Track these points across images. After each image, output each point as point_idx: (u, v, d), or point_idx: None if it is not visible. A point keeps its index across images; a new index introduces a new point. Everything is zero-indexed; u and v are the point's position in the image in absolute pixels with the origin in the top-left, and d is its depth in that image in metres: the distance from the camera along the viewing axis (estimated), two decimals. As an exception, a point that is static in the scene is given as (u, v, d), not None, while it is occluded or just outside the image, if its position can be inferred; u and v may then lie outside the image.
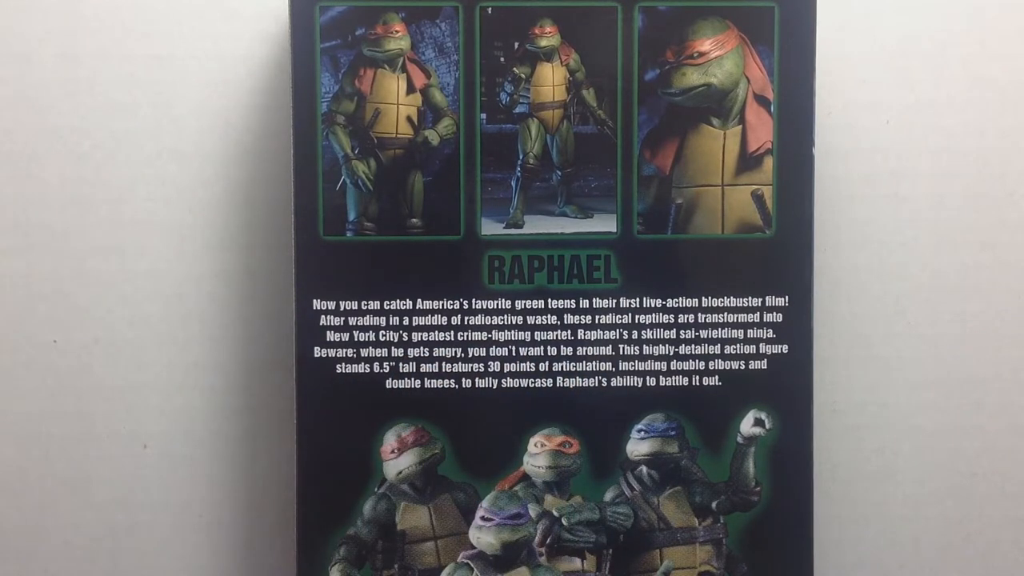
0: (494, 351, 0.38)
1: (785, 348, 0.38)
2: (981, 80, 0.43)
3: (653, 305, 0.38)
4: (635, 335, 0.38)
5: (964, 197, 0.43)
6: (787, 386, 0.38)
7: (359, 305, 0.37)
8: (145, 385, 0.42)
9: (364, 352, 0.38)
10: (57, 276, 0.42)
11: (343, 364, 0.38)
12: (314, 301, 0.37)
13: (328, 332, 0.38)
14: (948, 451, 0.42)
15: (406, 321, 0.38)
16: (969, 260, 0.43)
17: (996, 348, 0.42)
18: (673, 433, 0.38)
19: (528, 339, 0.38)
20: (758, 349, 0.38)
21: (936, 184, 0.43)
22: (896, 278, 0.44)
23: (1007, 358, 0.42)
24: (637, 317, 0.38)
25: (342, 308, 0.37)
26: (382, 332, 0.38)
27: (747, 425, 0.38)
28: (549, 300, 0.38)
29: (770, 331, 0.38)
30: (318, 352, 0.38)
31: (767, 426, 0.38)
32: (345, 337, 0.38)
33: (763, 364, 0.38)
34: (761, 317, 0.38)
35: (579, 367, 0.38)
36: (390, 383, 0.38)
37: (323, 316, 0.37)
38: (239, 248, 0.42)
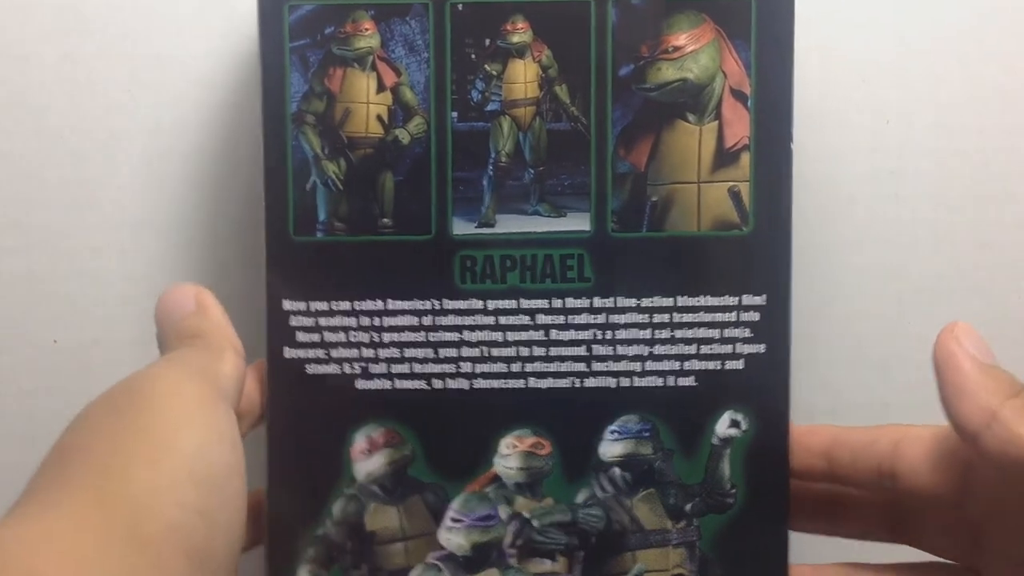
0: (466, 352, 0.37)
1: (762, 348, 0.37)
2: (981, 80, 0.43)
3: (627, 305, 0.37)
4: (609, 335, 0.37)
5: (964, 197, 0.43)
6: (764, 387, 0.37)
7: (329, 306, 0.37)
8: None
9: (334, 353, 0.37)
10: (57, 276, 0.42)
11: (313, 365, 0.37)
12: (284, 302, 0.37)
13: (298, 332, 0.37)
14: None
15: (377, 322, 0.37)
16: (969, 260, 0.43)
17: (996, 348, 0.41)
18: (647, 434, 0.38)
19: (501, 339, 0.37)
20: (735, 349, 0.37)
21: (936, 184, 0.43)
22: (896, 278, 0.44)
23: (1008, 358, 0.41)
24: (611, 317, 0.37)
25: (312, 309, 0.37)
26: (352, 333, 0.37)
27: (723, 426, 0.38)
28: (522, 300, 0.37)
29: (747, 330, 0.37)
30: (288, 353, 0.37)
31: (743, 427, 0.37)
32: (315, 338, 0.37)
33: (739, 364, 0.37)
34: (738, 316, 0.37)
35: (552, 368, 0.37)
36: (360, 384, 0.37)
37: (293, 316, 0.37)
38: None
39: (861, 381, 0.43)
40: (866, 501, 0.38)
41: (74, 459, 0.30)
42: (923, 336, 0.32)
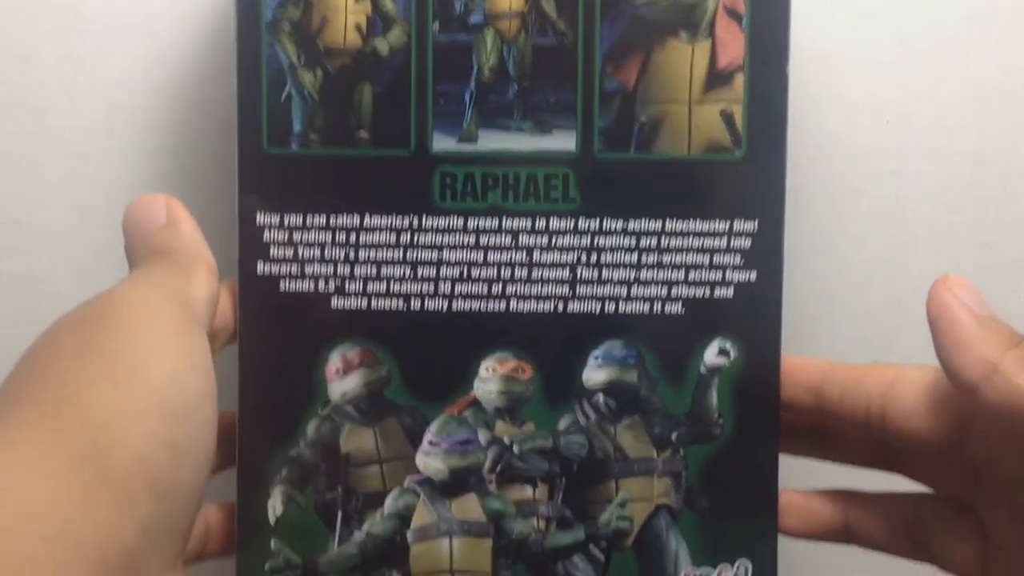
0: (445, 271, 0.36)
1: (753, 276, 0.36)
2: (981, 80, 0.42)
3: (613, 227, 0.36)
4: (594, 258, 0.36)
5: (964, 197, 0.43)
6: (754, 315, 0.36)
7: (304, 220, 0.36)
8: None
9: (309, 269, 0.36)
10: (57, 276, 0.42)
11: (287, 281, 0.36)
12: (257, 215, 0.36)
13: (272, 247, 0.36)
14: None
15: (353, 238, 0.36)
16: (969, 260, 0.42)
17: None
18: (632, 361, 0.36)
19: (481, 260, 0.36)
20: (724, 276, 0.36)
21: (936, 184, 0.43)
22: (896, 278, 0.43)
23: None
24: (596, 239, 0.36)
25: (286, 223, 0.36)
26: (328, 248, 0.36)
27: (711, 355, 0.36)
28: (504, 219, 0.36)
29: (738, 257, 0.36)
30: (261, 268, 0.36)
31: (731, 356, 0.36)
32: (289, 253, 0.36)
33: (729, 292, 0.36)
34: (728, 242, 0.36)
35: (534, 290, 0.36)
36: (335, 302, 0.36)
37: (267, 231, 0.36)
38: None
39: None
40: (858, 433, 0.36)
41: (33, 383, 0.28)
42: (923, 336, 0.31)
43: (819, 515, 0.37)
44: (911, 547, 0.35)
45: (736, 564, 0.37)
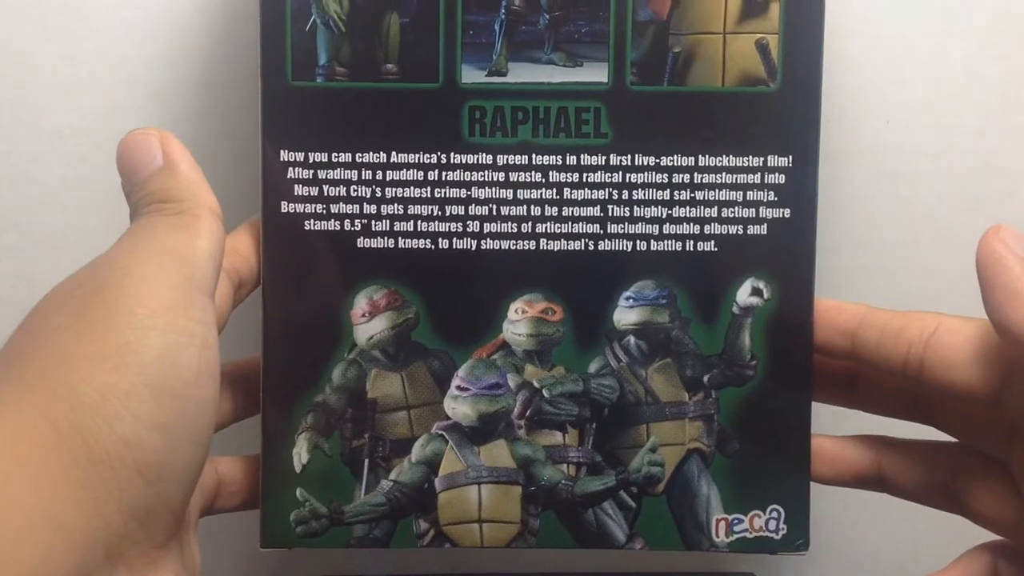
0: (473, 210, 0.35)
1: (787, 213, 0.35)
2: (981, 80, 0.42)
3: (646, 163, 0.35)
4: (625, 195, 0.35)
5: (964, 197, 0.42)
6: (788, 254, 0.35)
7: (329, 157, 0.35)
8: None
9: (334, 208, 0.35)
10: (57, 276, 0.41)
11: (312, 221, 0.35)
12: (281, 152, 0.35)
13: (296, 186, 0.35)
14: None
15: (379, 175, 0.35)
16: (969, 260, 0.41)
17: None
18: (664, 302, 0.36)
19: (510, 197, 0.35)
20: (758, 213, 0.35)
21: (936, 184, 0.42)
22: (896, 279, 0.43)
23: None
24: (628, 176, 0.35)
25: (311, 160, 0.35)
26: (353, 187, 0.35)
27: (744, 294, 0.36)
28: (533, 156, 0.35)
29: (771, 194, 0.35)
30: (285, 207, 0.35)
31: (765, 296, 0.35)
32: (314, 192, 0.35)
33: (763, 229, 0.35)
34: (762, 178, 0.35)
35: (564, 229, 0.35)
36: (361, 242, 0.35)
37: (291, 168, 0.35)
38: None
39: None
40: (892, 382, 0.36)
41: (24, 358, 0.27)
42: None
43: (850, 462, 0.36)
44: (943, 498, 0.35)
45: (768, 510, 0.36)
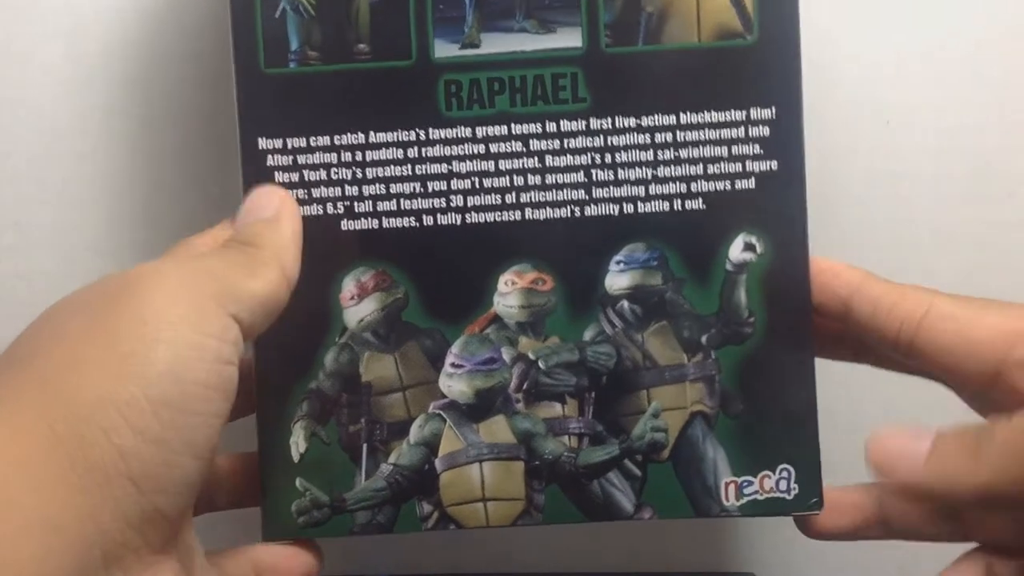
0: (456, 184, 0.35)
1: (774, 165, 0.35)
2: (981, 80, 0.42)
3: (627, 125, 0.35)
4: (608, 159, 0.35)
5: (964, 197, 0.42)
6: (779, 207, 0.35)
7: (307, 142, 0.35)
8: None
9: (316, 192, 0.35)
10: (57, 276, 0.42)
11: None
12: (259, 140, 0.35)
13: (276, 172, 0.35)
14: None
15: (359, 156, 0.35)
16: (969, 260, 0.42)
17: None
18: (655, 263, 0.35)
19: (492, 169, 0.35)
20: (744, 167, 0.35)
21: (936, 184, 0.42)
22: (896, 279, 0.42)
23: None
24: (610, 139, 0.35)
25: (289, 146, 0.35)
26: (334, 169, 0.35)
27: (736, 251, 0.35)
28: (512, 125, 0.35)
29: (756, 147, 0.35)
30: (267, 195, 0.35)
31: (758, 251, 0.35)
32: (295, 177, 0.35)
33: (751, 183, 0.35)
34: (746, 132, 0.35)
35: (549, 197, 0.35)
36: (345, 224, 0.35)
37: (270, 156, 0.35)
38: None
39: (859, 384, 0.41)
40: (888, 351, 0.35)
41: (26, 359, 0.27)
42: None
43: (857, 505, 0.35)
44: (950, 524, 0.34)
45: (778, 470, 0.36)
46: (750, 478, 0.36)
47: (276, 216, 0.33)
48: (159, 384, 0.27)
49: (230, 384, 0.29)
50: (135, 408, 0.26)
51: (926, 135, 0.42)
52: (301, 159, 0.35)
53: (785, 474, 0.35)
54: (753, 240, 0.35)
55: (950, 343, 0.32)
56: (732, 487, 0.36)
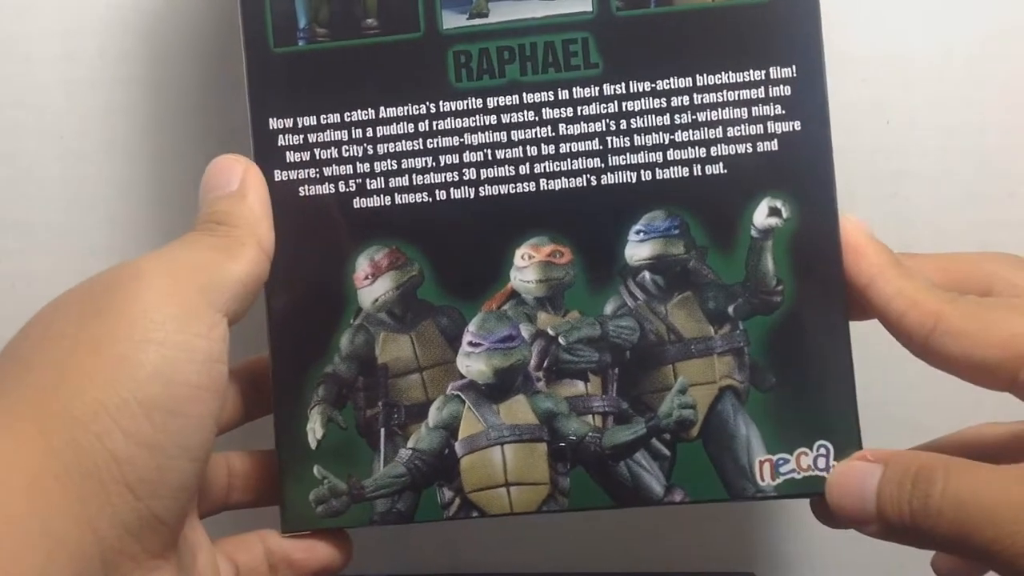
0: (468, 156, 0.34)
1: (797, 125, 0.33)
2: (981, 80, 0.42)
3: (641, 89, 0.34)
4: (624, 125, 0.34)
5: (964, 197, 0.42)
6: (804, 168, 0.33)
7: (318, 120, 0.34)
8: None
9: (327, 171, 0.34)
10: (57, 276, 0.42)
11: (306, 186, 0.34)
12: (270, 120, 0.34)
13: (288, 153, 0.34)
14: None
15: (370, 132, 0.34)
16: None
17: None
18: (676, 232, 0.34)
19: (504, 140, 0.34)
20: (766, 128, 0.33)
21: (936, 184, 0.42)
22: None
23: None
24: (624, 104, 0.34)
25: (300, 125, 0.34)
26: (345, 147, 0.34)
27: (761, 216, 0.34)
28: (524, 94, 0.34)
29: (778, 107, 0.33)
30: (279, 176, 0.34)
31: (784, 215, 0.33)
32: (306, 156, 0.34)
33: (773, 145, 0.33)
34: (766, 92, 0.33)
35: (563, 166, 0.34)
36: (358, 202, 0.34)
37: (281, 136, 0.34)
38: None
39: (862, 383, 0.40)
40: None
41: (20, 368, 0.27)
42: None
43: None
44: None
45: (815, 447, 0.34)
46: (786, 456, 0.34)
47: (242, 189, 0.32)
48: (149, 387, 0.27)
49: (220, 382, 0.29)
50: (126, 412, 0.26)
51: (926, 135, 0.42)
52: (312, 138, 0.34)
53: (823, 451, 0.34)
54: (778, 204, 0.33)
55: (957, 362, 0.31)
56: (767, 466, 0.34)
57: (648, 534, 0.44)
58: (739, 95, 0.33)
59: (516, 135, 0.34)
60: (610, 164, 0.34)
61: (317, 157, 0.34)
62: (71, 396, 0.26)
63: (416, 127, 0.34)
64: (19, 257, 0.43)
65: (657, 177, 0.34)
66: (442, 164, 0.34)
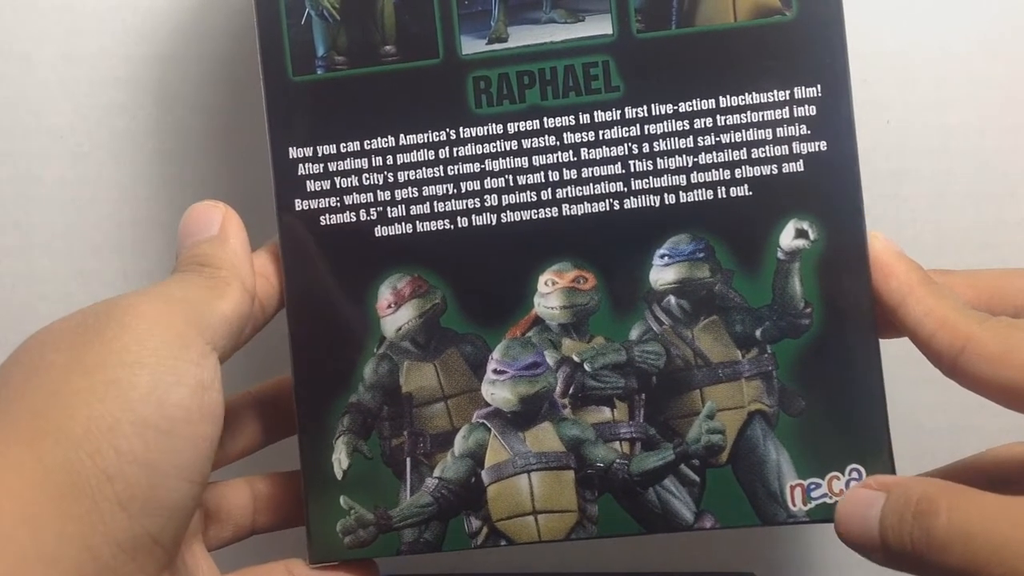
0: (489, 183, 0.34)
1: (823, 145, 0.33)
2: (981, 80, 0.42)
3: (664, 112, 0.33)
4: (646, 148, 0.33)
5: (964, 197, 0.42)
6: (830, 189, 0.33)
7: (338, 148, 0.34)
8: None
9: (348, 199, 0.34)
10: (57, 276, 0.42)
11: (327, 215, 0.34)
12: (290, 150, 0.34)
13: (308, 182, 0.34)
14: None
15: (390, 160, 0.34)
16: (969, 260, 0.42)
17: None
18: (701, 255, 0.33)
19: (526, 165, 0.34)
20: (791, 149, 0.33)
21: (936, 184, 0.42)
22: None
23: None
24: (647, 127, 0.33)
25: (320, 154, 0.34)
26: (365, 175, 0.34)
27: (787, 238, 0.33)
28: (545, 119, 0.34)
29: (803, 127, 0.33)
30: (299, 205, 0.34)
31: (811, 237, 0.33)
32: (326, 185, 0.34)
33: (799, 166, 0.33)
34: (791, 112, 0.33)
35: (586, 191, 0.34)
36: (379, 231, 0.34)
37: (301, 165, 0.34)
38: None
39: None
40: None
41: (12, 394, 0.28)
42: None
43: None
44: None
45: (847, 470, 0.33)
46: (817, 480, 0.33)
47: (223, 233, 0.33)
48: (141, 407, 0.27)
49: (213, 409, 0.29)
50: (118, 431, 0.27)
51: (926, 135, 0.42)
52: (332, 166, 0.34)
53: (855, 475, 0.33)
54: (805, 226, 0.33)
55: (987, 384, 0.30)
56: (799, 491, 0.33)
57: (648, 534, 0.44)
58: (763, 116, 0.33)
59: (537, 160, 0.34)
60: (633, 188, 0.33)
61: (338, 186, 0.34)
62: (63, 417, 0.26)
63: (436, 154, 0.34)
64: (19, 257, 0.42)
65: (681, 200, 0.33)
66: (463, 191, 0.34)
